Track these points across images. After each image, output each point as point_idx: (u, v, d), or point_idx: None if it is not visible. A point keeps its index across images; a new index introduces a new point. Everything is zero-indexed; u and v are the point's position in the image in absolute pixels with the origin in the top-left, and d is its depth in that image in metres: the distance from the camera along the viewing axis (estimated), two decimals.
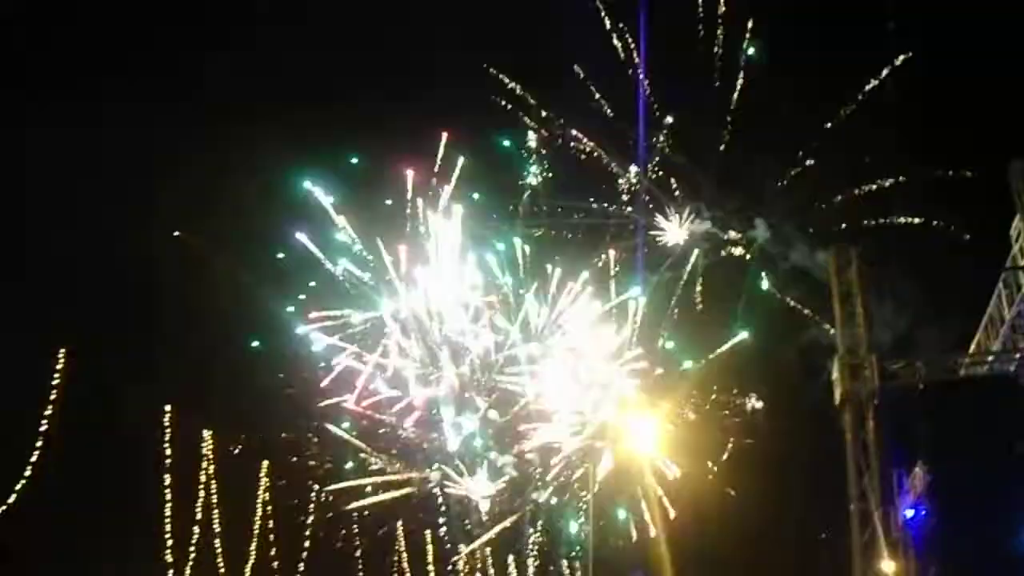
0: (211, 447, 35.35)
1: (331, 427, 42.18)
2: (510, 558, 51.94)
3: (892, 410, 32.45)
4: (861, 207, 40.23)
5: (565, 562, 52.09)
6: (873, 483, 30.45)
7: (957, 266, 36.57)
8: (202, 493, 33.46)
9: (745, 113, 41.61)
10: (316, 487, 39.81)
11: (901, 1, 38.75)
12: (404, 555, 46.00)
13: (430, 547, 47.34)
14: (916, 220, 38.39)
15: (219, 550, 33.23)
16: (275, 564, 36.24)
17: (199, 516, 32.85)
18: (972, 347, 34.61)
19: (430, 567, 47.26)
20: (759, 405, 43.94)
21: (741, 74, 42.16)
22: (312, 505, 39.46)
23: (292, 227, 40.91)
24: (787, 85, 39.18)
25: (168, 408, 34.09)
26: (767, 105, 40.00)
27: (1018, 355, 31.98)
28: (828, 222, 40.75)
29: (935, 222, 38.70)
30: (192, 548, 32.40)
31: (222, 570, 33.51)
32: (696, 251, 43.77)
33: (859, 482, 30.50)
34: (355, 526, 42.45)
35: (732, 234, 43.21)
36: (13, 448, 29.35)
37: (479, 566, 51.07)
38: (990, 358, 32.68)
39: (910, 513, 34.18)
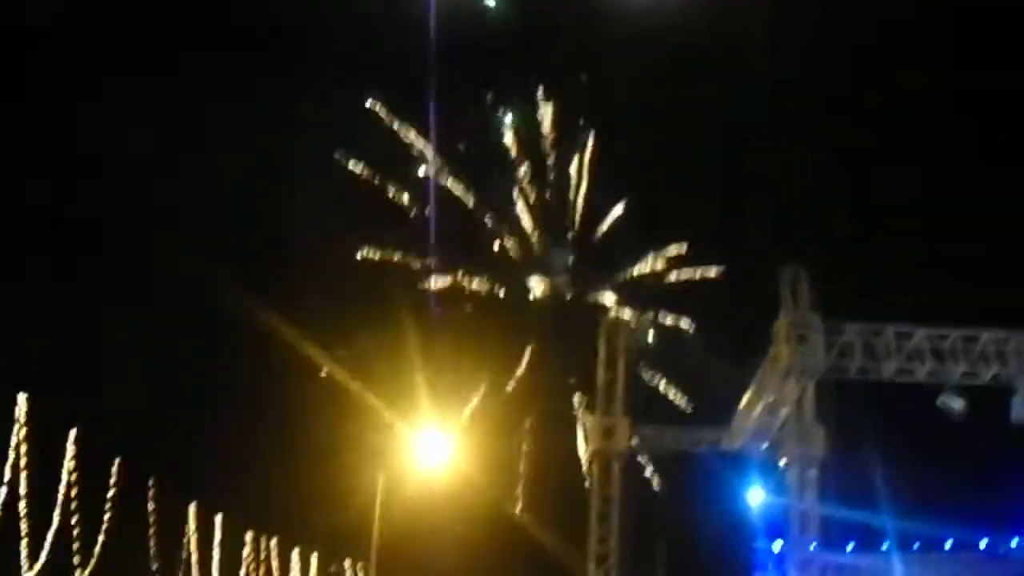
0: (25, 412, 36.17)
1: None
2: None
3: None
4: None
5: None
6: (611, 533, 34.32)
7: (724, 355, 40.85)
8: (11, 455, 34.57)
9: None
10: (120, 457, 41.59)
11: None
12: (194, 534, 48.04)
13: (219, 526, 49.62)
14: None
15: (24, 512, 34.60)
16: (75, 531, 37.75)
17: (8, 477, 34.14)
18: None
19: (216, 549, 49.49)
20: None
21: None
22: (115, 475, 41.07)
23: None
24: None
25: None
26: None
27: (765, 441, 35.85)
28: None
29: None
30: None
31: (25, 532, 34.97)
32: None
33: (599, 530, 33.93)
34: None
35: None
36: None
37: (263, 547, 53.66)
38: (736, 441, 36.28)
39: None
